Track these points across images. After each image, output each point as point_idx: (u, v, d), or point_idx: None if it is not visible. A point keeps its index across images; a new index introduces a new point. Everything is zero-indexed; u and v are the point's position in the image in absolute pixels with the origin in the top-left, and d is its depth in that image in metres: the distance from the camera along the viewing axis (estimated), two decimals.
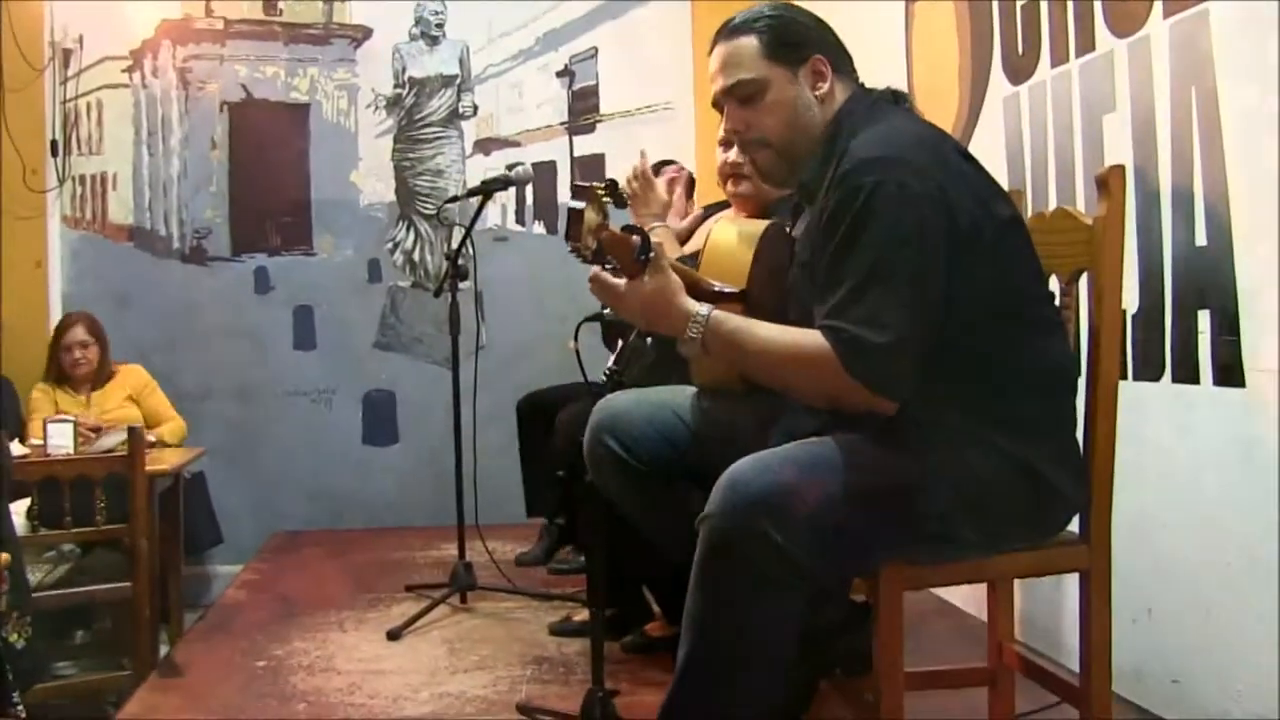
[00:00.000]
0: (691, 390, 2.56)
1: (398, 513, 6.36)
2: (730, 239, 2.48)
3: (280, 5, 6.58)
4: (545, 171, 6.59)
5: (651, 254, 2.17)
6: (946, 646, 3.64)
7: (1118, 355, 2.32)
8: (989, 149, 4.05)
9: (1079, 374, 2.36)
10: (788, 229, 2.56)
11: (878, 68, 4.87)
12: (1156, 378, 3.10)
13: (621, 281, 2.21)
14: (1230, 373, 2.82)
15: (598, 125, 6.68)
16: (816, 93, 2.30)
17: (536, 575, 4.96)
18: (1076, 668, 3.38)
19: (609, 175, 3.30)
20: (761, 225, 2.52)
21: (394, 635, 4.14)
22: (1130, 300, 3.20)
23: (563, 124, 6.69)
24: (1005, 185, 3.85)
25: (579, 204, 2.10)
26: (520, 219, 6.68)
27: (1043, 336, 2.24)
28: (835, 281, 2.08)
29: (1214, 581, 2.92)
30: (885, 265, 2.05)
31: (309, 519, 6.44)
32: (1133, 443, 3.20)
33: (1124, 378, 3.20)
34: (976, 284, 2.12)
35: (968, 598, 4.01)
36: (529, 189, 6.52)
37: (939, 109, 4.46)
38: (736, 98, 2.33)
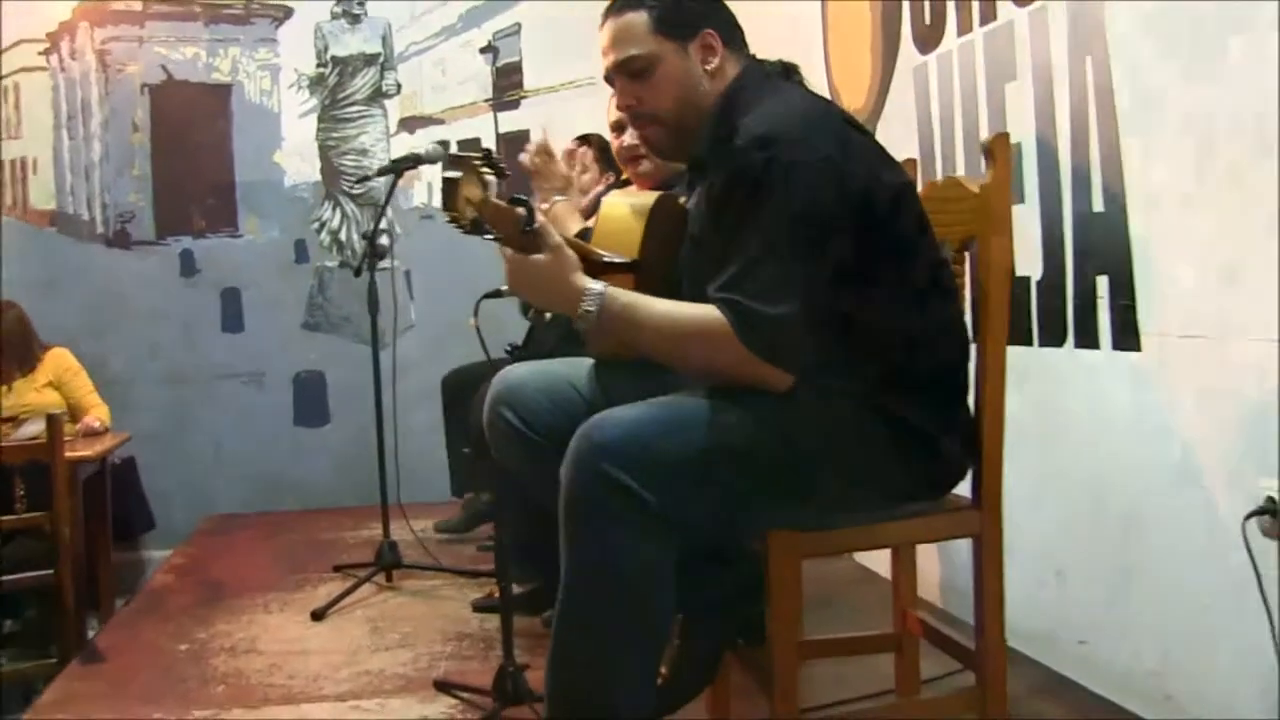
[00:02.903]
0: (591, 361, 2.56)
1: (331, 493, 6.35)
2: (622, 211, 2.48)
3: None
4: (470, 149, 6.55)
5: (536, 225, 2.16)
6: (867, 614, 3.67)
7: (1005, 320, 2.33)
8: (900, 118, 4.08)
9: (971, 339, 2.37)
10: (681, 201, 2.56)
11: (794, 37, 4.92)
12: (1060, 343, 3.13)
13: (510, 252, 2.21)
14: (1127, 337, 2.86)
15: (522, 101, 6.69)
16: (707, 67, 2.30)
17: (464, 552, 4.98)
18: None
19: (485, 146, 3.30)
20: (653, 197, 2.53)
21: (318, 615, 4.15)
22: (1034, 267, 3.24)
23: (487, 100, 6.70)
24: (916, 154, 3.91)
25: (454, 174, 2.09)
26: None
27: (935, 301, 2.24)
28: (729, 256, 2.08)
29: (1116, 543, 2.96)
30: (779, 239, 2.06)
31: (243, 501, 6.45)
32: (1039, 407, 3.26)
33: (1029, 344, 3.26)
34: (869, 252, 2.13)
35: (882, 561, 4.04)
36: None
37: (853, 80, 4.49)
38: (627, 73, 2.33)
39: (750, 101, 2.24)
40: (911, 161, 2.76)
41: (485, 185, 2.15)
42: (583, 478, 2.04)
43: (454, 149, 6.54)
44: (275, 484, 6.51)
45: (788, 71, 2.38)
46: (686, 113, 2.32)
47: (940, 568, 3.86)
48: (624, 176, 3.93)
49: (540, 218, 2.18)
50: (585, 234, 2.73)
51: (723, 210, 2.12)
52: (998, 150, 2.32)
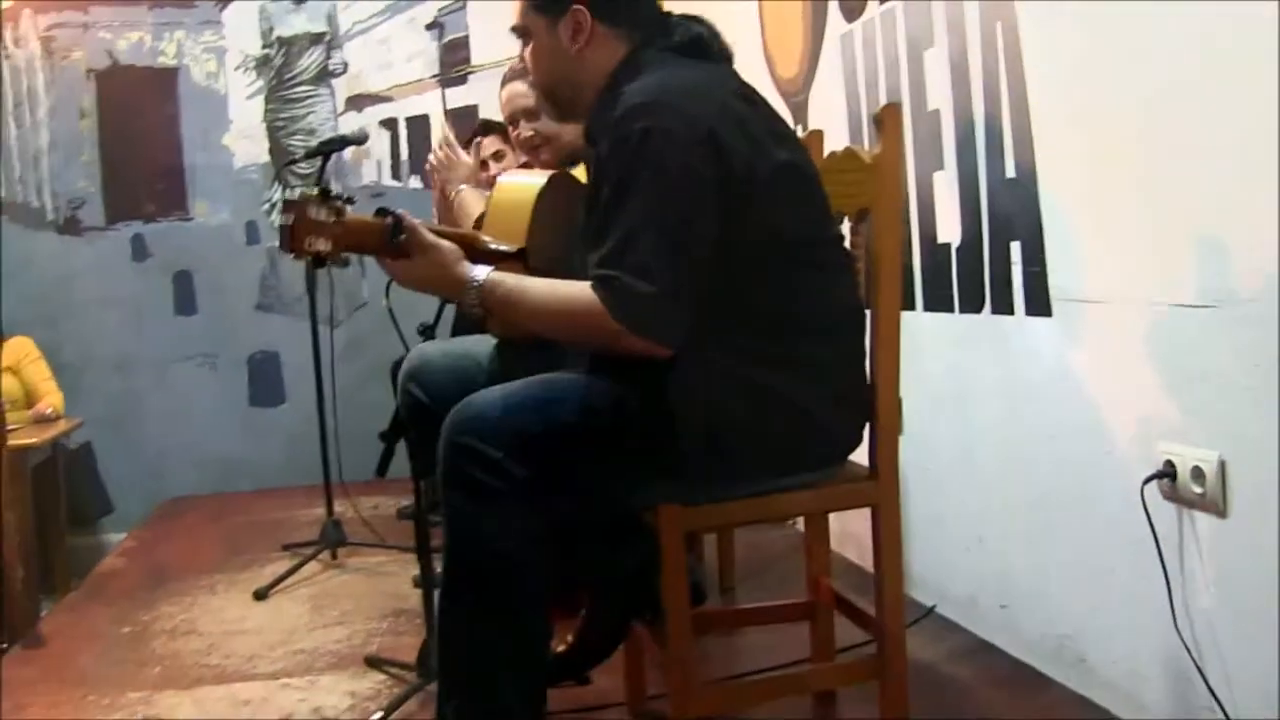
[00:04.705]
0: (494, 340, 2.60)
1: (286, 473, 6.32)
2: (512, 194, 2.51)
3: None
4: (419, 125, 6.61)
5: (403, 236, 2.19)
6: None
7: (899, 290, 2.34)
8: (830, 87, 4.09)
9: (862, 312, 2.37)
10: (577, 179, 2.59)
11: (731, 9, 4.92)
12: (979, 309, 3.15)
13: (388, 262, 2.26)
14: (1038, 302, 2.87)
15: (469, 77, 6.69)
16: (575, 45, 2.32)
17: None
18: (921, 599, 3.48)
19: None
20: (545, 176, 2.55)
21: (260, 595, 4.17)
22: (954, 234, 3.26)
23: (434, 77, 6.69)
24: (844, 121, 3.92)
25: (288, 218, 2.11)
26: (396, 174, 6.70)
27: (822, 278, 2.24)
28: (606, 230, 2.09)
29: (1032, 508, 2.99)
30: (654, 212, 2.06)
31: (199, 484, 6.46)
32: (960, 374, 3.29)
33: (950, 310, 3.28)
34: (751, 227, 2.13)
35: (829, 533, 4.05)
36: (404, 144, 6.57)
37: (786, 48, 4.50)
38: (518, 37, 2.41)
39: (638, 75, 2.25)
40: (817, 134, 2.77)
41: (340, 211, 2.17)
42: (454, 454, 2.07)
43: (401, 127, 6.59)
44: (231, 465, 6.52)
45: (696, 46, 2.34)
46: (556, 85, 2.40)
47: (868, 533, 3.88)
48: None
49: (409, 221, 2.21)
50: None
51: (603, 181, 2.14)
52: (887, 121, 2.34)
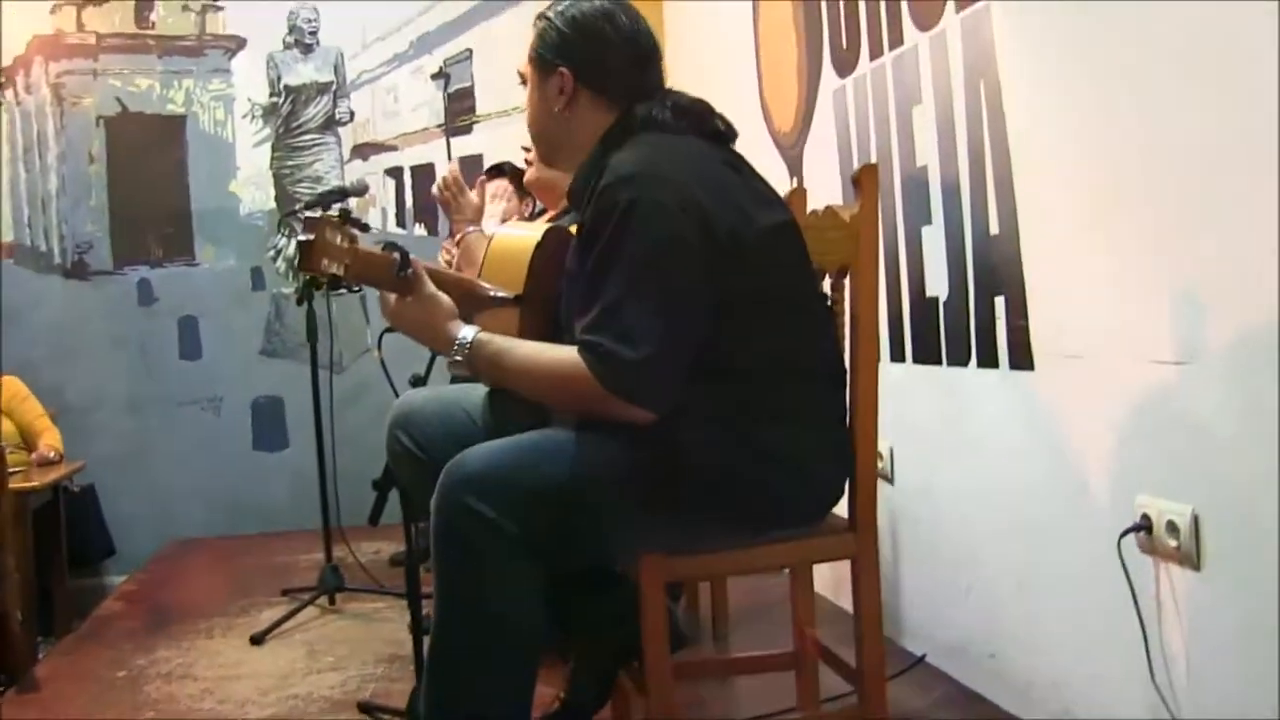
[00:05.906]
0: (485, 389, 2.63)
1: (290, 517, 6.34)
2: (511, 244, 2.55)
3: (152, 18, 6.62)
4: (424, 174, 6.68)
5: (410, 270, 2.24)
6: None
7: (876, 345, 2.38)
8: (824, 142, 4.14)
9: (843, 366, 2.41)
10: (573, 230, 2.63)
11: (731, 64, 4.98)
12: (965, 362, 3.19)
13: (392, 297, 2.30)
14: (1021, 356, 2.91)
15: (474, 126, 6.78)
16: (555, 105, 2.37)
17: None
18: (913, 648, 3.50)
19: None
20: (542, 229, 2.59)
21: (256, 640, 4.20)
22: (941, 288, 3.30)
23: (439, 126, 6.77)
24: (837, 174, 3.97)
25: (308, 237, 2.15)
26: (401, 222, 6.77)
27: (804, 333, 2.28)
28: (593, 297, 2.13)
29: (1018, 558, 3.01)
30: (641, 280, 2.10)
31: (203, 526, 6.49)
32: (949, 426, 3.32)
33: (939, 363, 3.31)
34: (737, 291, 2.16)
35: (826, 582, 4.07)
36: (408, 192, 6.64)
37: (782, 102, 4.55)
38: (521, 83, 2.48)
39: (624, 145, 2.28)
40: (800, 191, 2.82)
41: (354, 237, 2.22)
42: (447, 510, 2.10)
43: (407, 176, 6.65)
44: (236, 508, 6.55)
45: (685, 118, 2.34)
46: (541, 135, 2.47)
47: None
48: (540, 205, 4.04)
49: (415, 263, 2.26)
50: None
51: (590, 247, 2.17)
52: (865, 181, 2.38)
